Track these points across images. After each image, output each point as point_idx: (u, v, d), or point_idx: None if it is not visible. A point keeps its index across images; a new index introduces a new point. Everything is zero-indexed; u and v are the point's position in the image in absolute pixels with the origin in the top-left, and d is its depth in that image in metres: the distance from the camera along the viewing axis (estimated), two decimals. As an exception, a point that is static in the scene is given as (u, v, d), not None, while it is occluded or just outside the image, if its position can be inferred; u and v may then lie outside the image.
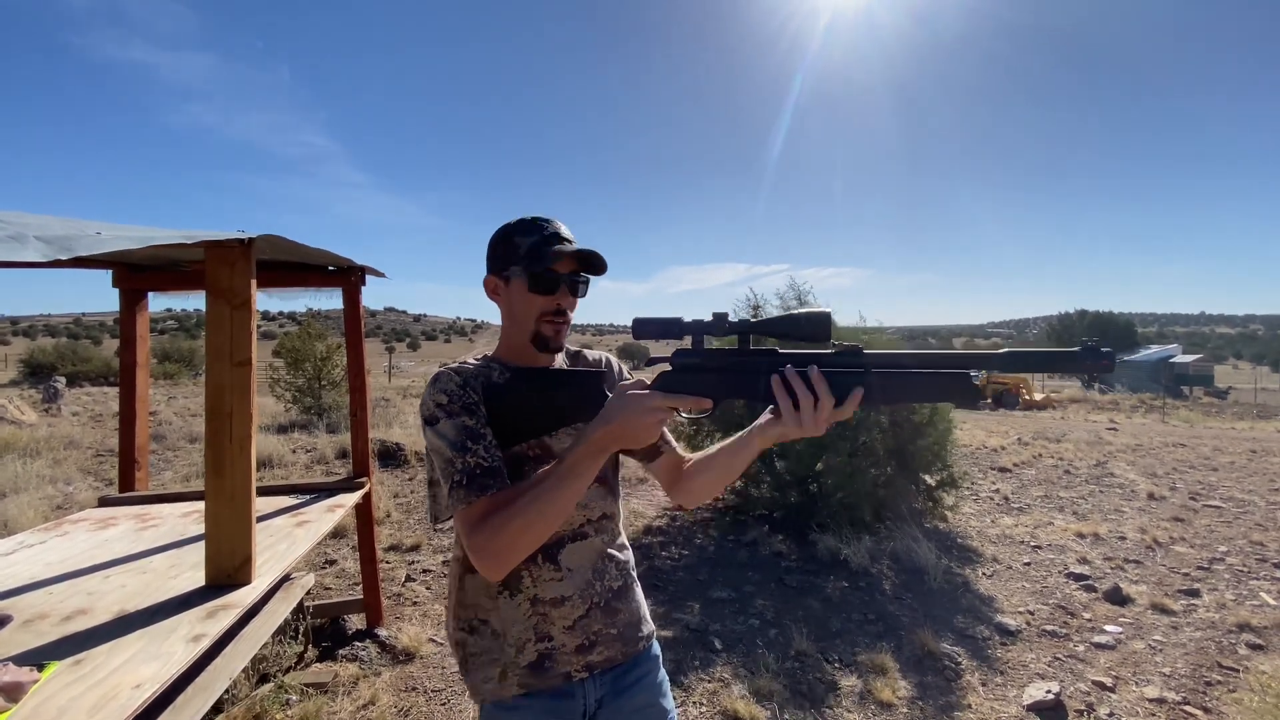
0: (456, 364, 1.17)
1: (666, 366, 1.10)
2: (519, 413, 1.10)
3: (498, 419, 1.10)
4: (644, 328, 1.04)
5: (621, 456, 1.29)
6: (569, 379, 1.13)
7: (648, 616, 1.29)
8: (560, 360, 1.27)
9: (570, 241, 1.15)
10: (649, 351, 1.38)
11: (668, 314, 1.04)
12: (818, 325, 0.97)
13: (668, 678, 1.29)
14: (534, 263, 1.12)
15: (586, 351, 1.33)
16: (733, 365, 1.05)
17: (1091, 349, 0.89)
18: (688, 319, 1.04)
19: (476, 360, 1.21)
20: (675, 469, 1.25)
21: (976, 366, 0.94)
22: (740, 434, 1.12)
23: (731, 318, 1.02)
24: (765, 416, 1.06)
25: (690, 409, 1.02)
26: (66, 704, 1.34)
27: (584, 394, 1.11)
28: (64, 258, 1.04)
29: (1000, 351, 0.94)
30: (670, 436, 1.30)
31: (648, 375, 1.11)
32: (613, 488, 1.25)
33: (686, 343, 1.08)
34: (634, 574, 1.29)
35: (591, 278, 1.19)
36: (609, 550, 1.22)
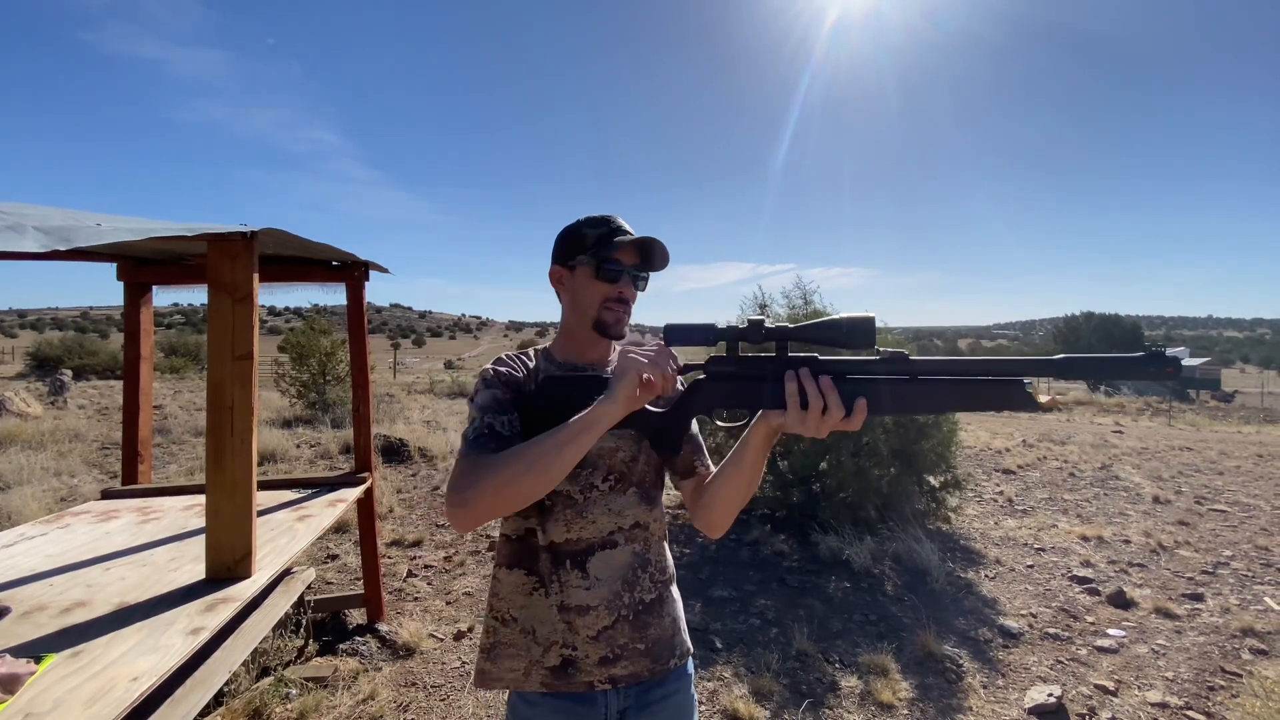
0: (515, 353, 1.21)
1: (700, 374, 1.06)
2: (547, 419, 1.07)
3: (526, 425, 1.10)
4: (677, 334, 1.00)
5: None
6: (601, 386, 1.08)
7: (684, 632, 1.24)
8: (614, 356, 1.26)
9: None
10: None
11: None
12: (862, 332, 0.92)
13: (696, 697, 1.25)
14: (601, 250, 1.15)
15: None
16: (770, 374, 0.99)
17: (1156, 354, 0.83)
18: (721, 325, 0.99)
19: (536, 351, 1.24)
20: (700, 489, 1.21)
21: (1031, 374, 0.89)
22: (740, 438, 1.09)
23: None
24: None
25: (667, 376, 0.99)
26: (64, 695, 1.34)
27: None
28: (63, 248, 1.04)
29: (1057, 357, 0.88)
30: (706, 456, 1.26)
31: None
32: (649, 496, 1.21)
33: (721, 349, 1.04)
34: (672, 588, 1.24)
35: (650, 275, 1.21)
36: (642, 561, 1.18)
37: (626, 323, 1.21)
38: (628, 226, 1.18)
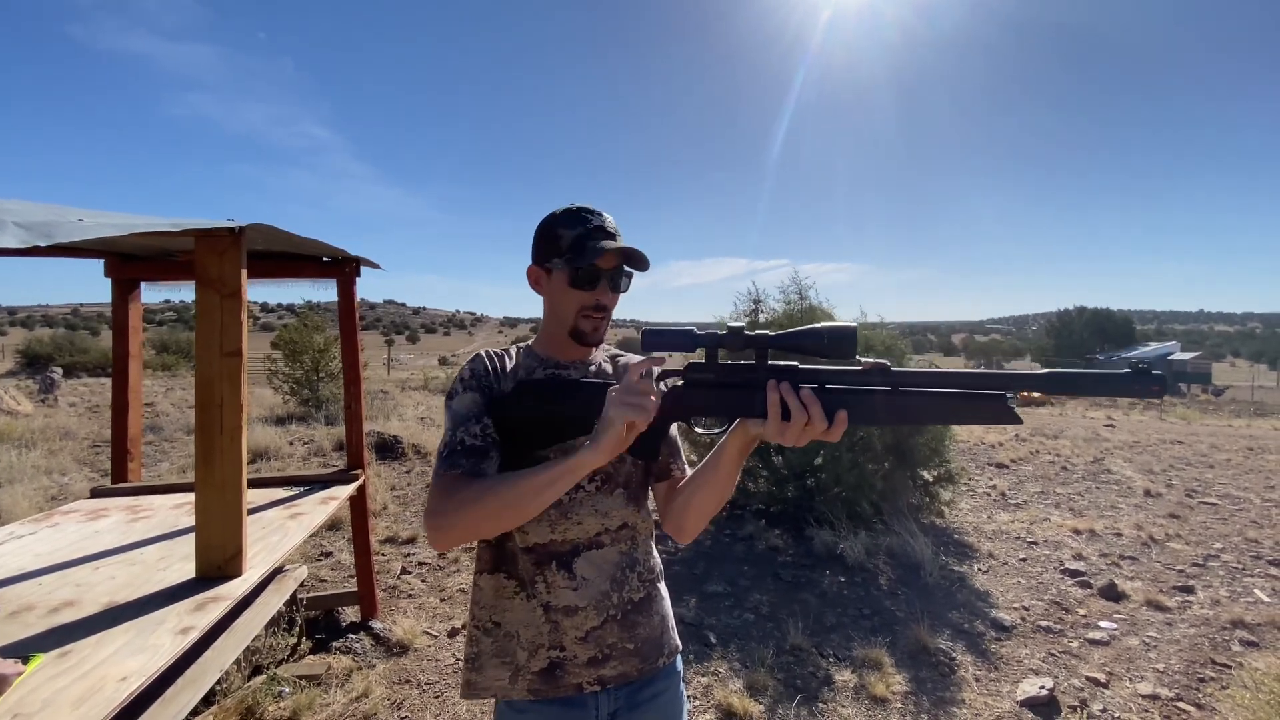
0: (496, 350, 1.17)
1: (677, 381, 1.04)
2: (521, 424, 1.07)
3: (501, 429, 1.08)
4: (655, 339, 0.98)
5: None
6: (575, 390, 1.07)
7: (673, 630, 1.23)
8: (600, 358, 1.24)
9: (615, 236, 1.12)
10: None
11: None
12: (843, 341, 0.91)
13: (685, 693, 1.24)
14: (576, 257, 1.09)
15: (628, 357, 1.27)
16: (749, 381, 0.97)
17: (1142, 371, 0.83)
18: (700, 331, 0.97)
19: (518, 348, 1.20)
20: (672, 493, 1.19)
21: (1014, 388, 0.89)
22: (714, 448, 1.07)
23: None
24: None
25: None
26: (52, 696, 1.32)
27: (589, 406, 1.04)
28: (43, 244, 1.02)
29: (1041, 372, 0.88)
30: (682, 458, 1.24)
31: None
32: (636, 496, 1.19)
33: (700, 355, 1.02)
34: (660, 586, 1.23)
35: (633, 273, 1.16)
36: (630, 560, 1.16)
37: (605, 329, 1.17)
38: (608, 224, 1.12)
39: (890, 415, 0.94)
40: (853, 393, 0.93)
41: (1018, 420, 0.90)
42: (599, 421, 0.95)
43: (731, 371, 1.00)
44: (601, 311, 1.14)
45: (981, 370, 0.92)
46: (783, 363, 0.98)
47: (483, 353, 1.16)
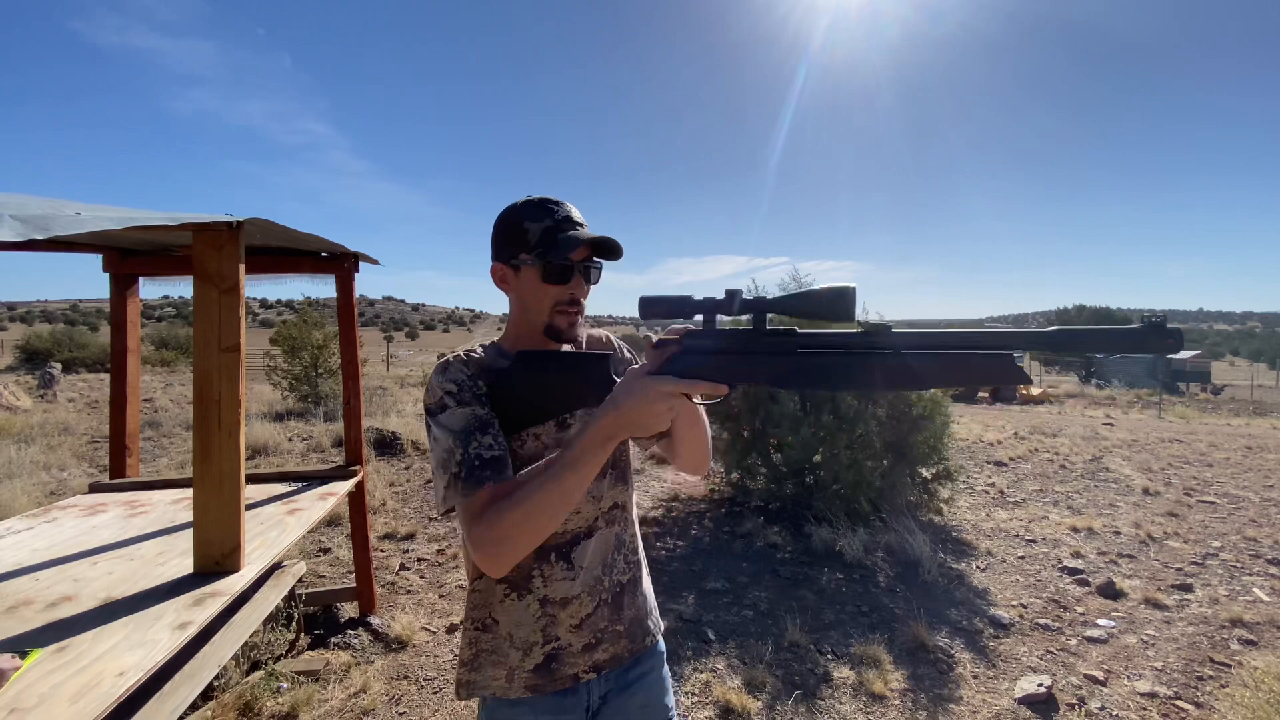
0: (464, 352, 1.12)
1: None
2: (521, 399, 1.05)
3: (499, 407, 1.05)
4: (652, 306, 0.96)
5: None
6: (574, 362, 1.07)
7: (655, 610, 1.25)
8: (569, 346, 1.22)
9: (583, 226, 1.09)
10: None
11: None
12: (841, 302, 0.88)
13: (670, 674, 1.26)
14: (548, 251, 1.05)
15: (589, 331, 1.27)
16: (748, 347, 0.95)
17: (1156, 326, 0.78)
18: (698, 297, 0.95)
19: (484, 347, 1.15)
20: (671, 447, 1.20)
21: (1022, 347, 0.85)
22: None
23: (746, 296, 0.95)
24: None
25: (705, 395, 0.94)
26: (48, 691, 1.32)
27: (590, 377, 1.04)
28: (40, 237, 1.01)
29: (1050, 330, 0.82)
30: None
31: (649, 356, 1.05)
32: (624, 474, 1.20)
33: (697, 322, 1.00)
34: (643, 564, 1.24)
35: (603, 264, 1.14)
36: (619, 541, 1.18)
37: (579, 322, 1.14)
38: (574, 214, 1.09)
39: (893, 380, 0.89)
40: (853, 356, 0.90)
41: (1026, 379, 0.86)
42: (631, 398, 0.93)
43: (730, 338, 0.98)
44: (576, 306, 1.11)
45: (986, 329, 0.87)
46: (781, 328, 0.96)
47: (453, 360, 1.09)
